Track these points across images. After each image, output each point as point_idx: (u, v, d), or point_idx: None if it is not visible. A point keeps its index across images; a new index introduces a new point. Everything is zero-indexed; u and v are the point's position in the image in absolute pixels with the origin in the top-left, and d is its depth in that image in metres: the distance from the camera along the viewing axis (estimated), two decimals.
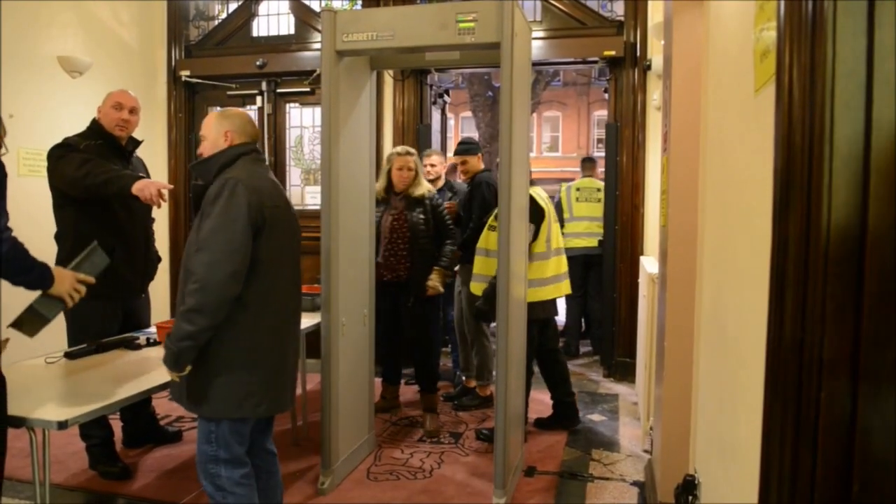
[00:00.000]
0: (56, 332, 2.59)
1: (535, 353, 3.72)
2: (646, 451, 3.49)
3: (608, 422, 4.04)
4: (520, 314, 3.23)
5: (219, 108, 2.32)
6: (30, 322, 2.17)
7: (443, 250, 3.92)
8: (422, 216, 3.81)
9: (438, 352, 4.10)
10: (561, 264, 3.73)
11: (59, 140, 3.05)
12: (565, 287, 3.77)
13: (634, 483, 3.17)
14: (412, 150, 3.91)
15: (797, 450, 0.80)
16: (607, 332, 5.05)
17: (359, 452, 3.38)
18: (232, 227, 2.05)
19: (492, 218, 3.66)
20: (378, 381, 4.05)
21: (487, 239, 3.70)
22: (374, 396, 3.65)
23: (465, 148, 4.27)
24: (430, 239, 3.85)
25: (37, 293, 2.18)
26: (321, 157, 3.05)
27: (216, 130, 2.25)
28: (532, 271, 3.52)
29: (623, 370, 4.89)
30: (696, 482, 1.65)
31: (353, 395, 3.29)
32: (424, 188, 3.88)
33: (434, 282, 3.84)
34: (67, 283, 2.19)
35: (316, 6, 5.37)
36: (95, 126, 3.11)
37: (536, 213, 3.52)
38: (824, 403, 0.76)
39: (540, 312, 3.61)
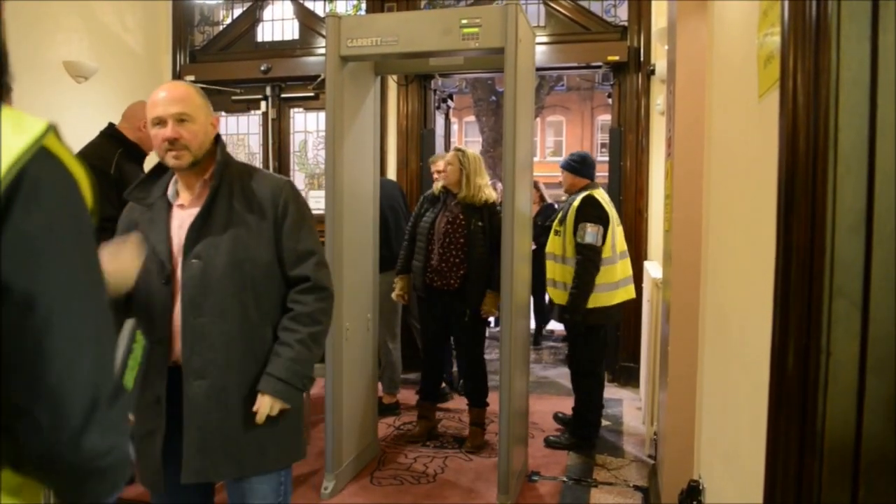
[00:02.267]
0: None
1: (603, 361, 3.72)
2: (650, 457, 3.48)
3: (612, 427, 4.03)
4: (522, 319, 3.22)
5: (181, 81, 1.79)
6: None
7: (496, 271, 3.45)
8: (480, 223, 3.58)
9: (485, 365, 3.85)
10: (626, 268, 3.70)
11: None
12: (632, 290, 3.74)
13: (638, 488, 3.16)
14: (460, 148, 3.70)
15: (802, 455, 0.79)
16: (611, 337, 5.03)
17: (362, 457, 3.37)
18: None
19: (556, 223, 3.69)
20: (382, 392, 4.04)
21: (553, 244, 3.68)
22: (376, 400, 3.64)
23: None
24: (487, 249, 3.57)
25: None
26: (325, 161, 3.06)
27: (206, 115, 1.78)
28: (601, 276, 3.51)
29: (627, 375, 4.88)
30: (701, 488, 1.64)
31: (356, 399, 3.29)
32: (486, 195, 3.62)
33: (489, 307, 3.61)
34: None
35: (320, 11, 5.38)
36: (116, 133, 3.12)
37: (603, 216, 3.51)
38: (829, 408, 0.75)
39: (610, 317, 3.62)
